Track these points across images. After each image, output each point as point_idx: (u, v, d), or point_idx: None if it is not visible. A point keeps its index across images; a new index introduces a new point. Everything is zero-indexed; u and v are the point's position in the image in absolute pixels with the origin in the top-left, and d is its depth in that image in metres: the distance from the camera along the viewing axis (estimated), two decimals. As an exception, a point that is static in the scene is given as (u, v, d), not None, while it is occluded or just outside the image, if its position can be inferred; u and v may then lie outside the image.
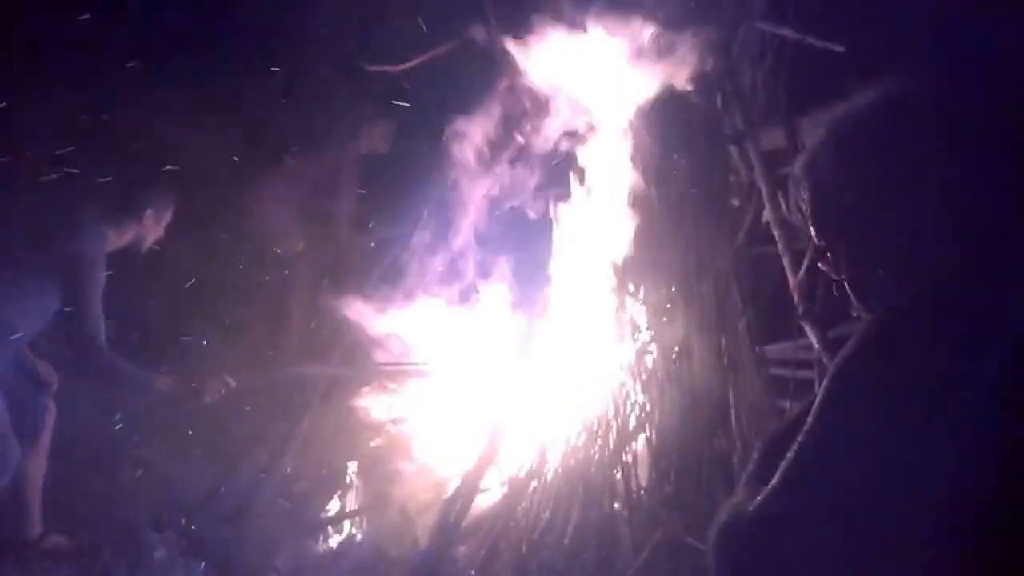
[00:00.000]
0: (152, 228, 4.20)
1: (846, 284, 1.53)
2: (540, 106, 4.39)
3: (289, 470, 4.39)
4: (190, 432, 4.76)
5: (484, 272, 4.55)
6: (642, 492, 3.66)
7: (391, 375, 4.43)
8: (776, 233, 3.91)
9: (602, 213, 4.03)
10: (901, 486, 1.29)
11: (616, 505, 3.68)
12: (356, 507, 4.30)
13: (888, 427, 1.31)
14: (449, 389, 4.30)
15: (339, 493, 4.39)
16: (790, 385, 3.90)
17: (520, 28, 4.17)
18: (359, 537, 4.16)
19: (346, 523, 4.26)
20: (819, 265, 1.56)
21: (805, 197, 1.55)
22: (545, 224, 4.46)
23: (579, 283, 4.06)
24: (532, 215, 4.59)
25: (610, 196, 4.04)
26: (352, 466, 4.41)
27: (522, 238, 4.79)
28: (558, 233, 4.25)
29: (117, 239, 4.10)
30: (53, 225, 3.96)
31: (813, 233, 1.55)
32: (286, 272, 5.52)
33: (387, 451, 4.32)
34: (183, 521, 4.07)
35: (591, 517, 3.65)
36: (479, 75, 4.55)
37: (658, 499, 3.63)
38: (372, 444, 4.39)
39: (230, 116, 5.41)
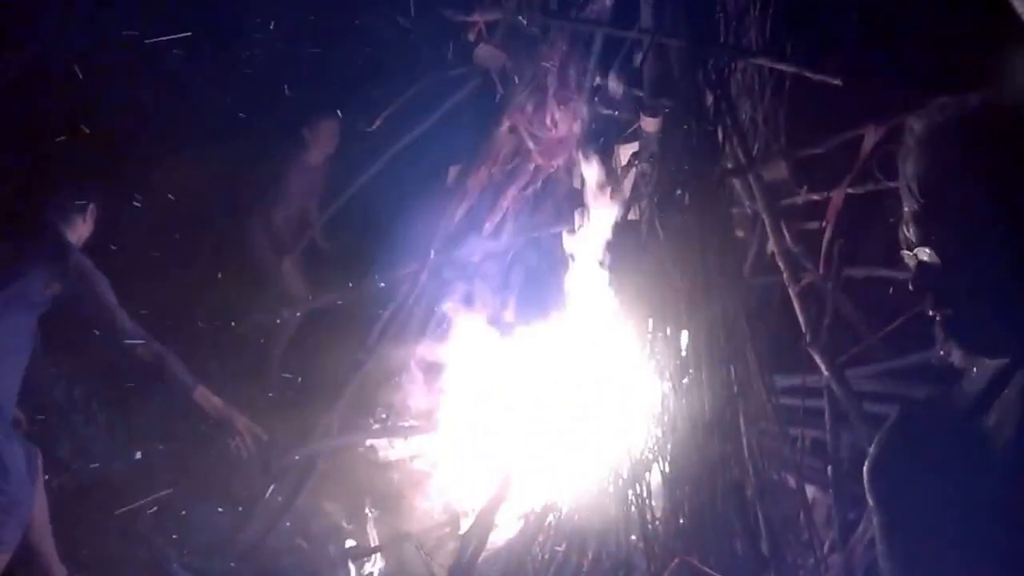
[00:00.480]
0: (90, 225, 4.31)
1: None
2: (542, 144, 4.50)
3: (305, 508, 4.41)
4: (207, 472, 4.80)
5: (493, 309, 4.60)
6: (657, 523, 3.69)
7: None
8: (780, 263, 3.98)
9: (608, 248, 4.08)
10: None
11: (632, 537, 3.70)
12: (373, 544, 4.32)
13: None
14: (464, 425, 4.34)
15: (355, 531, 4.41)
16: (800, 413, 3.95)
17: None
18: (376, 574, 4.19)
19: (363, 561, 4.28)
20: (924, 256, 1.50)
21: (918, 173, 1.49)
22: (552, 259, 4.55)
23: (587, 317, 4.11)
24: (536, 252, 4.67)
25: (615, 232, 4.10)
26: (368, 503, 4.44)
27: (529, 274, 4.86)
28: (564, 268, 4.31)
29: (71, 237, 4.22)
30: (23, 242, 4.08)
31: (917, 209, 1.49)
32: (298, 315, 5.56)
33: (403, 488, 4.36)
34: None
35: (607, 549, 3.68)
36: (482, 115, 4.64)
37: (673, 529, 3.65)
38: (388, 481, 4.42)
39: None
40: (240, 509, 4.54)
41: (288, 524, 4.35)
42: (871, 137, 3.96)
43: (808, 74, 4.18)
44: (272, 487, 4.42)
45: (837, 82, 4.10)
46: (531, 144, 4.44)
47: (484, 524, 3.75)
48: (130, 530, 4.50)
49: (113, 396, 5.21)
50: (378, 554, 4.25)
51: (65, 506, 4.47)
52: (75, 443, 4.94)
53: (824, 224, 4.08)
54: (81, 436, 5.03)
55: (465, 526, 3.87)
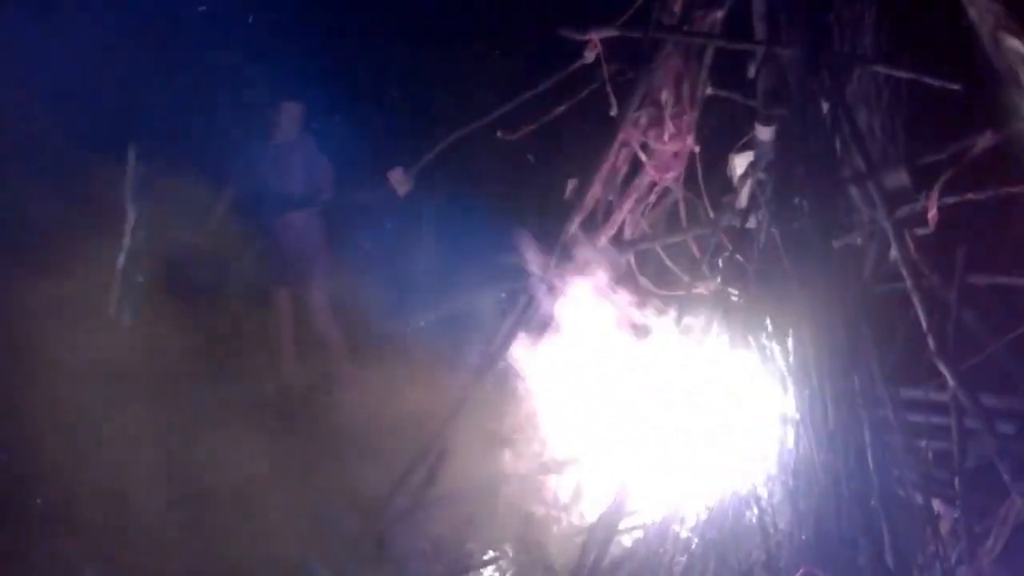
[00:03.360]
0: None
1: None
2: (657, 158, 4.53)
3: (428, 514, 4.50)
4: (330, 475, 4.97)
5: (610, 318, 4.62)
6: (780, 535, 3.69)
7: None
8: (904, 271, 3.93)
9: (728, 260, 4.10)
10: None
11: (754, 552, 3.71)
12: (495, 552, 4.40)
13: None
14: (585, 431, 4.39)
15: (475, 538, 4.50)
16: (925, 426, 3.91)
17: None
18: (498, 581, 4.28)
19: (486, 568, 4.36)
20: None
21: None
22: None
23: (708, 328, 4.12)
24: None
25: (732, 242, 4.12)
26: (490, 510, 4.52)
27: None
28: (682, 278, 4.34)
29: None
30: None
31: None
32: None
33: (524, 495, 4.43)
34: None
35: (729, 563, 3.70)
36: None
37: (796, 542, 3.65)
38: (510, 486, 4.50)
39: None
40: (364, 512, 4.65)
41: (412, 529, 4.44)
42: (984, 143, 3.90)
43: (927, 79, 4.14)
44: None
45: (956, 87, 4.05)
46: (645, 158, 4.47)
47: (605, 533, 3.80)
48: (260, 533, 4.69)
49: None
50: (500, 560, 4.34)
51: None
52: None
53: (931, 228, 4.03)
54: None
55: (586, 534, 3.91)
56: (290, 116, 6.67)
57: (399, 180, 4.69)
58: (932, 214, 4.00)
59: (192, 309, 6.44)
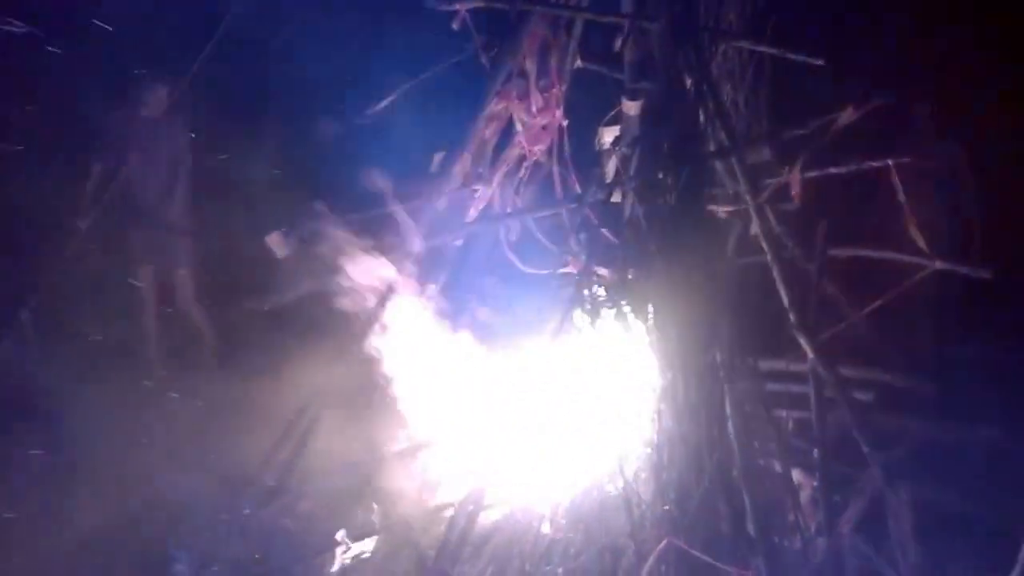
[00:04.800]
0: None
1: None
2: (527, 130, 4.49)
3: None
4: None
5: (478, 298, 4.60)
6: (644, 507, 3.70)
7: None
8: (765, 245, 3.98)
9: (590, 232, 4.09)
10: None
11: (619, 524, 3.72)
12: (362, 527, 4.34)
13: None
14: (453, 408, 4.35)
15: (344, 513, 4.42)
16: (785, 395, 3.97)
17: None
18: (366, 556, 4.21)
19: (353, 543, 4.29)
20: None
21: None
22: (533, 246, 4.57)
23: (571, 303, 4.10)
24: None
25: (598, 217, 4.11)
26: (356, 486, 4.46)
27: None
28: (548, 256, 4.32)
29: None
30: None
31: None
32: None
33: (391, 470, 4.37)
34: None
35: (595, 533, 3.70)
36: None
37: (660, 514, 3.67)
38: (376, 464, 4.44)
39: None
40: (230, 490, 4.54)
41: (277, 505, 4.34)
42: (845, 118, 3.97)
43: (789, 55, 4.20)
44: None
45: (819, 62, 4.11)
46: (520, 128, 4.43)
47: (471, 510, 3.76)
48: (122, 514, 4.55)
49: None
50: (366, 537, 4.27)
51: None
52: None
53: (796, 203, 4.10)
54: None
55: (454, 509, 3.87)
56: (155, 94, 6.54)
57: (277, 243, 4.52)
58: (796, 191, 4.07)
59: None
